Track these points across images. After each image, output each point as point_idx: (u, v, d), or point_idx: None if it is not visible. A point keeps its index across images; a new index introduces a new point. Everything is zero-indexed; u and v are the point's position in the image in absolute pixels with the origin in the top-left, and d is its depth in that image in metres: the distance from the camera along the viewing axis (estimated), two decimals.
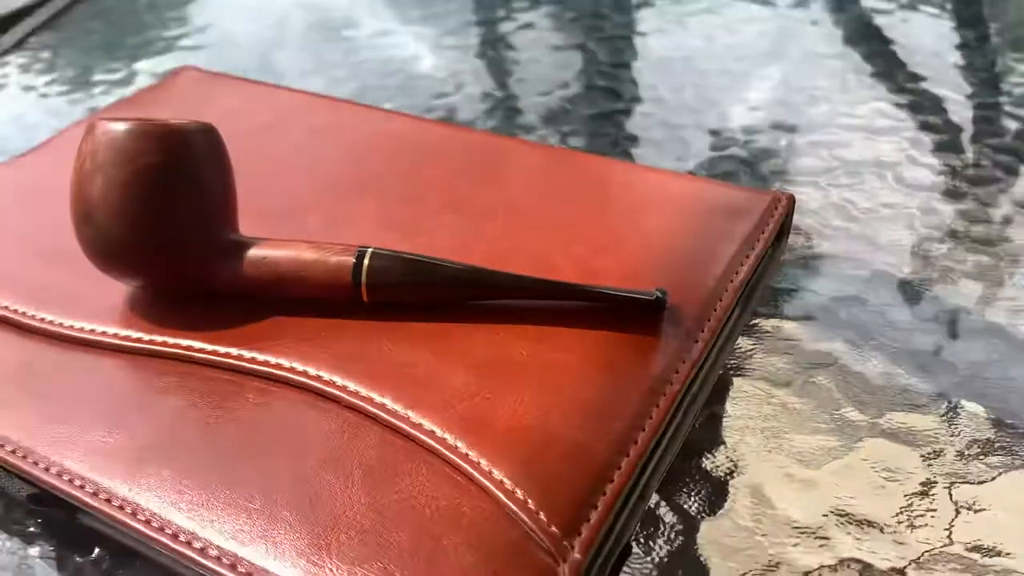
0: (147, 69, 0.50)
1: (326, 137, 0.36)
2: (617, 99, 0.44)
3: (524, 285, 0.26)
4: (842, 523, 0.23)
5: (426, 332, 0.26)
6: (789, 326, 0.30)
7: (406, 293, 0.26)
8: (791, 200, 0.31)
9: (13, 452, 0.24)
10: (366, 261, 0.26)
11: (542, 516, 0.21)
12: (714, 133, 0.41)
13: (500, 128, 0.42)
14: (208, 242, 0.26)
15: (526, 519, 0.21)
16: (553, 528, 0.20)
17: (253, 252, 0.27)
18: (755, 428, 0.26)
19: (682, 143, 0.40)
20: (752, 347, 0.29)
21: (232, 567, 0.21)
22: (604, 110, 0.43)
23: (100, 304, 0.28)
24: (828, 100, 0.42)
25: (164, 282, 0.27)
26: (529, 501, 0.21)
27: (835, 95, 0.43)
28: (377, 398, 0.24)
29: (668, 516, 0.24)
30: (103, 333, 0.27)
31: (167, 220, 0.26)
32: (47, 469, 0.23)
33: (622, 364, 0.25)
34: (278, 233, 0.28)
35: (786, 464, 0.25)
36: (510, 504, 0.21)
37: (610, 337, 0.25)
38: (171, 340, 0.26)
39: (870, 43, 0.47)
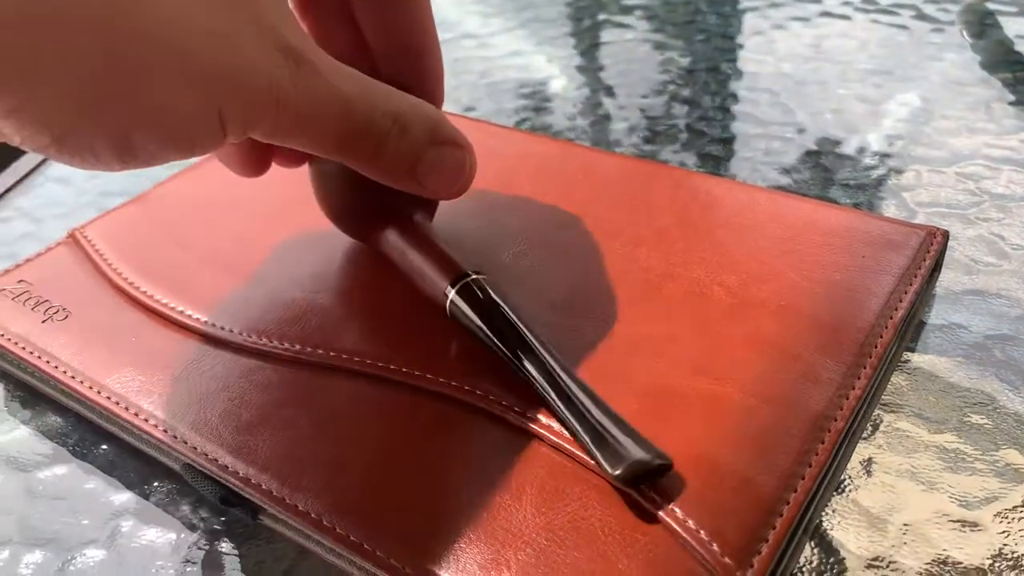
0: None
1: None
2: (758, 124, 0.44)
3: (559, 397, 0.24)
4: (1008, 568, 0.23)
5: (587, 359, 0.27)
6: (942, 363, 0.29)
7: (476, 333, 0.26)
8: (946, 236, 0.31)
9: (205, 456, 0.25)
10: (451, 293, 0.27)
11: (715, 547, 0.21)
12: (852, 160, 0.40)
13: (595, 137, 0.43)
14: (394, 211, 0.29)
15: (699, 549, 0.21)
16: (726, 559, 0.21)
17: (400, 237, 0.29)
18: (910, 467, 0.26)
19: (822, 169, 0.40)
20: (905, 384, 0.29)
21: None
22: (735, 133, 0.43)
23: (275, 318, 0.29)
24: (971, 129, 0.42)
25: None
26: (701, 531, 0.21)
27: (979, 124, 0.42)
28: (544, 419, 0.25)
29: (828, 551, 0.24)
30: (278, 346, 0.28)
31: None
32: (236, 473, 0.25)
33: (785, 398, 0.25)
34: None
35: (943, 504, 0.25)
36: (682, 533, 0.22)
37: (770, 370, 0.26)
38: (344, 355, 0.28)
39: (1013, 69, 0.46)
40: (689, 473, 0.23)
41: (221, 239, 0.34)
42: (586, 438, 0.23)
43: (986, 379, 0.29)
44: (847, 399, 0.25)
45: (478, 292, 0.27)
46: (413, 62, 0.30)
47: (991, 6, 0.53)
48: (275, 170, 0.37)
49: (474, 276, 0.27)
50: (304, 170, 0.37)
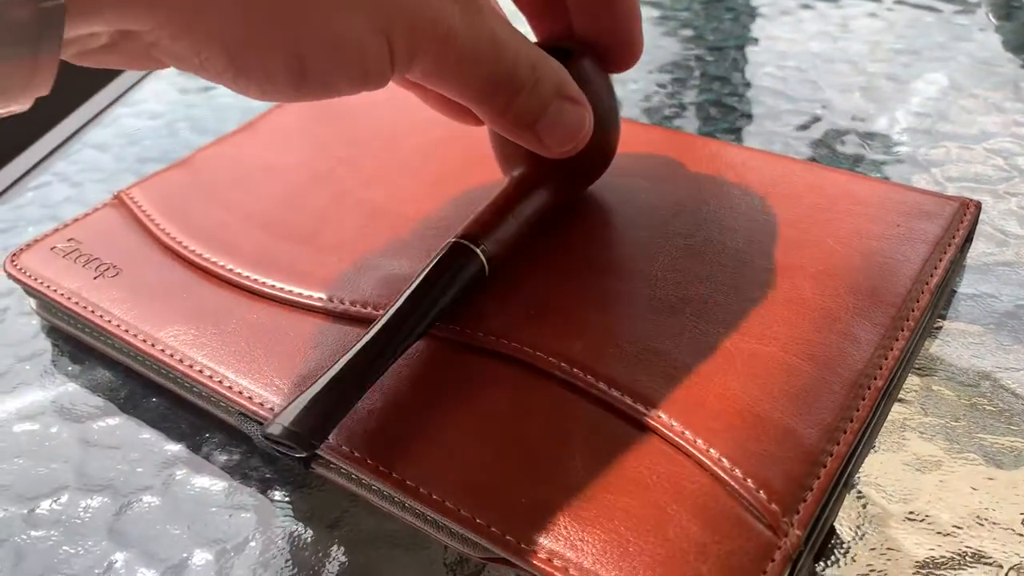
0: None
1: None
2: (787, 100, 0.45)
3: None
4: None
5: (624, 316, 0.27)
6: (973, 330, 0.30)
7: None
8: (978, 207, 0.31)
9: (261, 405, 0.26)
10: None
11: (762, 494, 0.22)
12: (880, 136, 0.41)
13: (623, 112, 0.43)
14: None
15: (746, 496, 0.22)
16: (773, 505, 0.22)
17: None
18: (944, 427, 0.27)
19: (851, 145, 0.40)
20: (937, 349, 0.29)
21: (466, 520, 0.22)
22: (764, 110, 0.44)
23: (322, 275, 0.30)
24: (999, 108, 0.42)
25: None
26: (748, 480, 0.22)
27: (1007, 103, 0.43)
28: (590, 376, 0.25)
29: (866, 505, 0.25)
30: (329, 300, 0.29)
31: None
32: None
33: (825, 357, 0.26)
34: None
35: (978, 463, 0.26)
36: (729, 481, 0.22)
37: (811, 330, 0.26)
38: None
39: None
40: (735, 425, 0.24)
41: (265, 201, 0.34)
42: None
43: (1017, 346, 0.29)
44: (886, 359, 0.26)
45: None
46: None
47: None
48: (313, 135, 0.38)
49: (456, 241, 0.27)
50: (349, 136, 0.38)
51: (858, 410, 0.24)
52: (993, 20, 0.51)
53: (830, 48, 0.49)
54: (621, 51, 0.30)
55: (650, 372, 0.25)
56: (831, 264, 0.29)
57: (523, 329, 0.27)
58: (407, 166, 0.36)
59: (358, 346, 0.24)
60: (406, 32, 0.22)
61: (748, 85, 0.46)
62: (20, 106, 0.19)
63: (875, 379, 0.25)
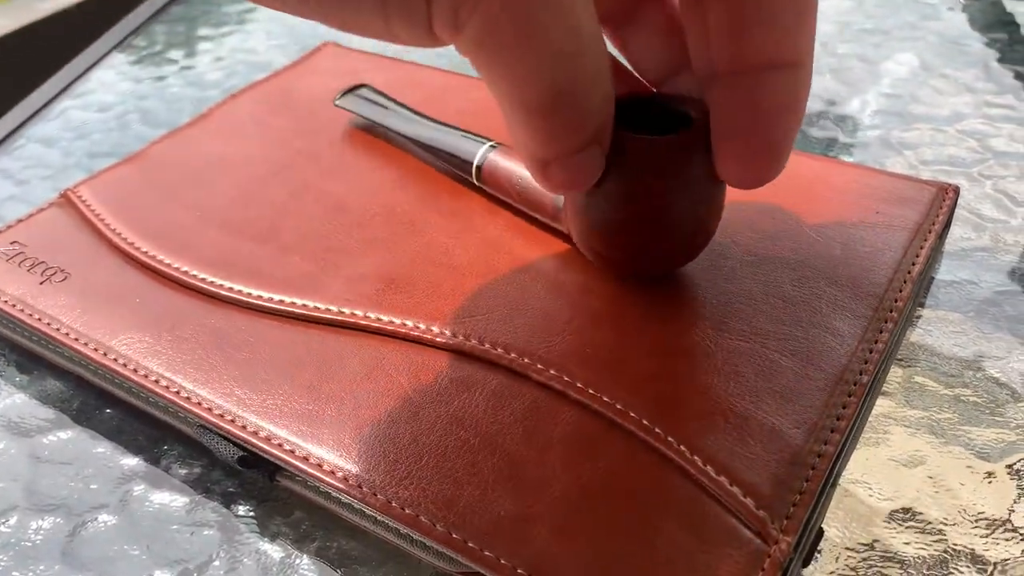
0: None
1: (477, 117, 0.36)
2: None
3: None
4: None
5: (601, 314, 0.26)
6: (954, 318, 0.30)
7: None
8: (956, 192, 0.31)
9: (221, 416, 0.25)
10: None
11: (749, 500, 0.21)
12: (853, 119, 0.40)
13: None
14: None
15: (733, 503, 0.21)
16: (761, 512, 0.21)
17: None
18: (929, 420, 0.26)
19: (822, 128, 0.40)
20: (918, 339, 0.29)
21: (442, 536, 0.21)
22: None
23: (283, 275, 0.29)
24: (971, 89, 0.42)
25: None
26: (735, 486, 0.21)
27: (978, 83, 0.42)
28: (567, 377, 0.24)
29: (854, 503, 0.24)
30: (292, 304, 0.28)
31: None
32: (255, 434, 0.24)
33: (808, 353, 0.25)
34: None
35: (964, 457, 0.25)
36: (715, 488, 0.21)
37: (792, 325, 0.26)
38: (360, 312, 0.27)
39: (1008, 30, 0.46)
40: (719, 426, 0.23)
41: (221, 197, 0.33)
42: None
43: (998, 334, 0.29)
44: (870, 353, 0.25)
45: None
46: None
47: None
48: (269, 125, 0.37)
49: None
50: (309, 127, 0.36)
51: (844, 407, 0.24)
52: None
53: None
54: (748, 153, 0.22)
55: (628, 372, 0.24)
56: (810, 255, 0.28)
57: (495, 330, 0.26)
58: (369, 156, 0.34)
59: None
60: None
61: None
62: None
63: (860, 375, 0.24)
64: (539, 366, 0.25)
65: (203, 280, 0.29)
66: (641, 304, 0.27)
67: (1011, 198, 0.35)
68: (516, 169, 0.30)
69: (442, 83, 0.39)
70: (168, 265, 0.30)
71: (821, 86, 0.43)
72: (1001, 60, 0.44)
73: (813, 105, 0.41)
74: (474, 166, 0.31)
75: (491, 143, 0.31)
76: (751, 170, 0.23)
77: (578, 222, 0.25)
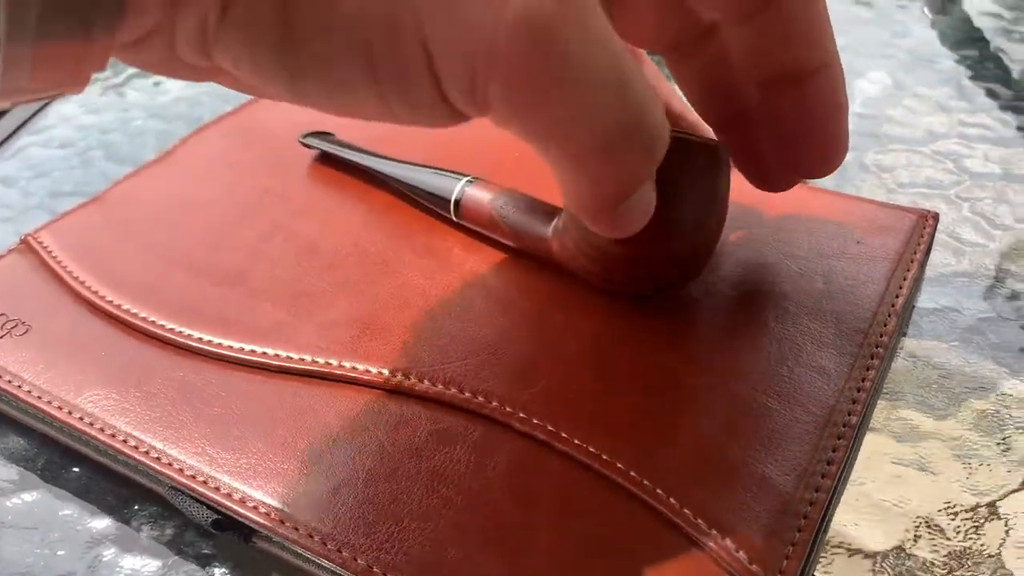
0: None
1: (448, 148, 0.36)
2: None
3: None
4: None
5: (585, 355, 0.26)
6: (938, 348, 0.29)
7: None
8: (936, 219, 0.31)
9: (193, 477, 0.24)
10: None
11: (742, 555, 0.21)
12: None
13: None
14: None
15: (725, 557, 0.20)
16: (755, 567, 0.20)
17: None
18: (918, 457, 0.26)
19: None
20: (903, 371, 0.28)
21: None
22: None
23: (254, 323, 0.28)
24: (944, 108, 0.42)
25: None
26: (727, 539, 0.21)
27: (951, 102, 0.42)
28: (550, 427, 0.24)
29: (845, 548, 0.24)
30: (263, 354, 0.27)
31: None
32: (229, 496, 0.23)
33: (795, 393, 0.24)
34: None
35: (955, 494, 0.25)
36: (707, 542, 0.21)
37: (776, 364, 0.25)
38: (334, 362, 0.26)
39: (978, 46, 0.47)
40: (707, 476, 0.22)
41: (188, 240, 0.32)
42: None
43: (984, 363, 0.29)
44: (858, 392, 0.25)
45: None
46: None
47: None
48: (237, 162, 0.36)
49: None
50: (277, 164, 0.36)
51: (834, 451, 0.23)
52: (929, 14, 0.50)
53: None
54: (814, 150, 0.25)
55: (613, 418, 0.24)
56: (792, 288, 0.28)
57: (476, 376, 0.25)
58: (339, 192, 0.34)
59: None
60: (441, 35, 0.14)
61: None
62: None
63: (849, 415, 0.24)
64: (522, 415, 0.24)
65: (170, 330, 0.28)
66: (626, 343, 0.26)
67: (989, 221, 0.34)
68: (498, 201, 0.29)
69: None
70: (134, 314, 0.29)
71: None
72: (973, 78, 0.44)
73: None
74: (452, 201, 0.30)
75: (468, 178, 0.30)
76: (831, 159, 0.25)
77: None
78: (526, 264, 0.29)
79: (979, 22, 0.49)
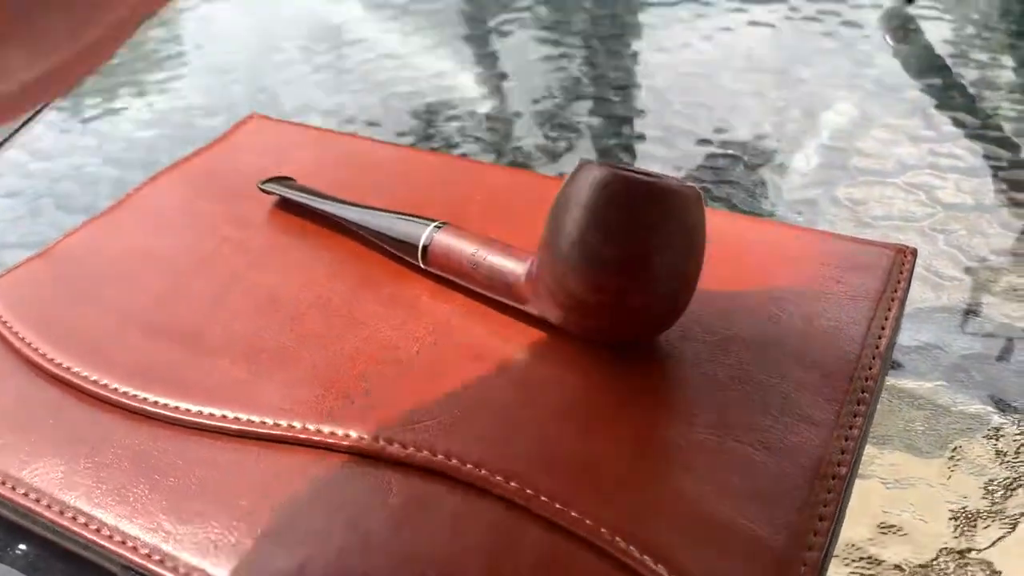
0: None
1: (413, 194, 0.35)
2: (699, 140, 0.43)
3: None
4: None
5: (565, 410, 0.25)
6: (923, 388, 0.28)
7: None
8: (914, 254, 0.30)
9: (149, 556, 0.22)
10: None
11: None
12: (798, 174, 0.39)
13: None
14: None
15: None
16: None
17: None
18: (909, 503, 0.25)
19: (774, 187, 0.39)
20: (888, 413, 0.28)
21: None
22: (679, 150, 0.42)
23: (212, 384, 0.26)
24: (913, 138, 0.41)
25: None
26: None
27: (919, 131, 0.42)
28: (530, 491, 0.23)
29: None
30: (223, 418, 0.25)
31: None
32: (189, 575, 0.22)
33: (782, 444, 0.23)
34: None
35: (951, 541, 0.24)
36: None
37: (761, 413, 0.24)
38: (298, 424, 0.25)
39: (942, 75, 0.47)
40: (697, 539, 0.21)
41: (143, 295, 0.30)
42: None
43: (970, 403, 0.28)
44: (846, 440, 0.24)
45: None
46: None
47: (911, 11, 0.53)
48: (194, 211, 0.34)
49: None
50: (237, 211, 0.34)
51: (826, 505, 0.22)
52: (891, 43, 0.50)
53: (733, 80, 0.48)
54: None
55: (597, 479, 0.23)
56: (773, 332, 0.27)
57: (451, 437, 0.24)
58: (301, 240, 0.32)
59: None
60: None
61: (662, 127, 0.44)
62: None
63: (839, 466, 0.23)
64: (500, 478, 0.23)
65: (123, 393, 0.26)
66: (607, 396, 0.25)
67: (966, 253, 0.34)
68: (469, 246, 0.28)
69: (382, 155, 0.37)
70: (84, 377, 0.27)
71: (760, 140, 0.42)
72: (939, 107, 0.44)
73: (755, 160, 0.41)
74: (420, 247, 0.29)
75: (436, 223, 0.29)
76: None
77: (561, 265, 0.24)
78: (499, 312, 0.28)
79: (940, 49, 0.49)
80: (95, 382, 0.27)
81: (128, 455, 0.25)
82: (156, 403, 0.26)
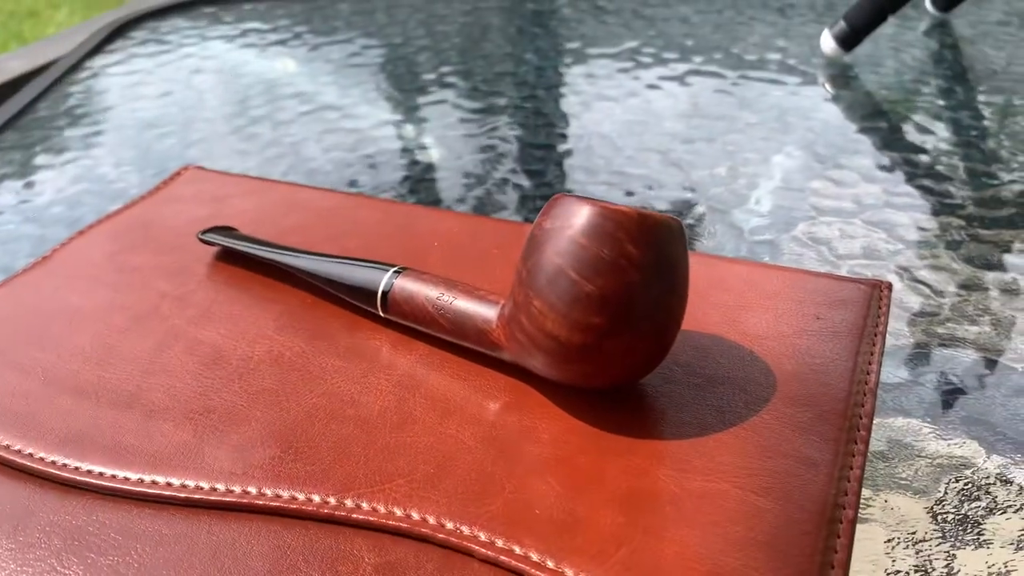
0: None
1: (366, 239, 0.33)
2: (657, 187, 0.42)
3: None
4: None
5: (546, 461, 0.23)
6: (909, 425, 0.27)
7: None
8: (890, 288, 0.29)
9: None
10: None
11: None
12: (758, 215, 0.39)
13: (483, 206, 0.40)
14: None
15: None
16: None
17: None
18: (911, 542, 0.24)
19: (734, 229, 0.38)
20: (880, 454, 0.26)
21: None
22: (642, 199, 0.41)
23: (153, 449, 0.24)
24: (868, 178, 0.41)
25: None
26: None
27: (873, 172, 0.42)
28: (518, 550, 0.20)
29: None
30: (167, 486, 0.23)
31: None
32: None
33: (784, 489, 0.22)
34: None
35: None
36: None
37: (759, 457, 0.23)
38: (253, 490, 0.22)
39: (888, 119, 0.47)
40: None
41: (72, 357, 0.27)
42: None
43: (956, 439, 0.27)
44: (849, 482, 0.22)
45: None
46: None
47: (847, 59, 0.54)
48: (126, 266, 0.32)
49: None
50: (174, 265, 0.32)
51: (836, 551, 0.21)
52: (831, 90, 0.51)
53: (686, 127, 0.47)
54: None
55: (587, 534, 0.21)
56: (759, 372, 0.25)
57: (422, 496, 0.22)
58: (246, 292, 0.30)
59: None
60: None
61: (618, 173, 0.43)
62: None
63: (845, 508, 0.22)
64: (482, 537, 0.21)
65: (52, 463, 0.24)
66: (590, 445, 0.23)
67: (933, 289, 0.33)
68: (432, 291, 0.26)
69: (330, 203, 0.35)
70: (7, 448, 0.24)
71: (717, 185, 0.42)
72: (887, 147, 0.44)
73: (716, 205, 0.40)
74: (379, 294, 0.27)
75: (395, 268, 0.27)
76: None
77: (538, 305, 0.22)
78: (468, 361, 0.26)
79: (880, 96, 0.50)
80: (20, 452, 0.24)
81: (58, 532, 0.22)
82: (91, 472, 0.23)
